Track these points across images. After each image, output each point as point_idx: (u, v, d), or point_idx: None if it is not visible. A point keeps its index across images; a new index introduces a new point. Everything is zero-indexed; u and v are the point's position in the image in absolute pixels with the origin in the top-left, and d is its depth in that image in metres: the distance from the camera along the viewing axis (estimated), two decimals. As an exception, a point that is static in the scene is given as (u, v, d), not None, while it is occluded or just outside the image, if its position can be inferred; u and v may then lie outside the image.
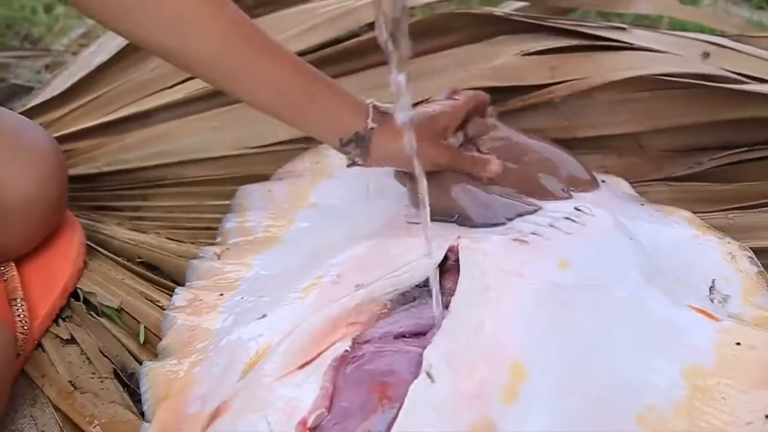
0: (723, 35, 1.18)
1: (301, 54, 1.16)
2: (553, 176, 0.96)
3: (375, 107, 0.85)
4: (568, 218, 0.87)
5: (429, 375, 0.68)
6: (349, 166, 0.88)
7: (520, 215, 0.89)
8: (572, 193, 0.95)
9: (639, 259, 0.84)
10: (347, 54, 1.17)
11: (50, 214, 0.95)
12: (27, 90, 1.35)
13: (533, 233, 0.84)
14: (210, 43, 0.79)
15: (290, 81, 0.83)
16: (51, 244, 0.97)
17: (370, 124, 0.84)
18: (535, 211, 0.90)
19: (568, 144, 1.09)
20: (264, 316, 0.81)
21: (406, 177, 0.92)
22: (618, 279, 0.80)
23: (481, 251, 0.79)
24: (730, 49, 1.12)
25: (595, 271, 0.80)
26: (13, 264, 0.94)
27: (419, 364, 0.69)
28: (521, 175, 0.95)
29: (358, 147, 0.85)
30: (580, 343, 0.73)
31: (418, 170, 0.75)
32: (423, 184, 0.75)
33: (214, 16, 0.79)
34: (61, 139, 1.13)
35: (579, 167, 0.99)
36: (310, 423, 0.67)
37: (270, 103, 0.84)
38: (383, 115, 0.85)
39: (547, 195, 0.94)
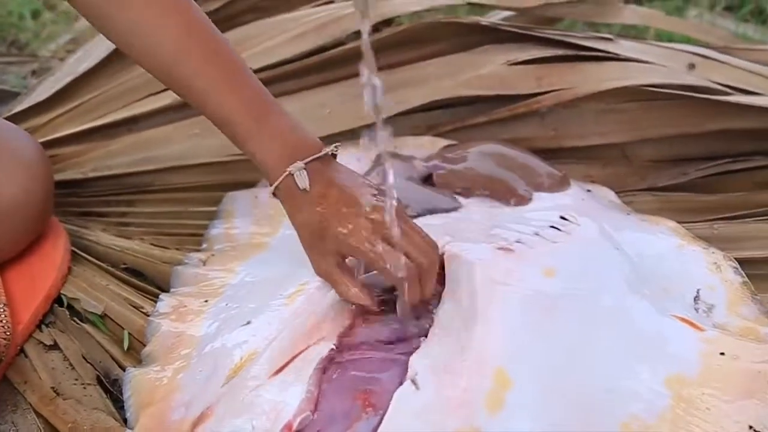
0: (708, 47, 1.19)
1: (287, 62, 1.17)
2: (518, 177, 0.98)
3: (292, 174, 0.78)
4: (553, 227, 0.87)
5: (414, 382, 0.68)
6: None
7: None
8: (543, 192, 0.98)
9: (624, 268, 0.84)
10: (333, 62, 1.17)
11: (35, 220, 0.95)
12: (13, 95, 1.34)
13: (518, 241, 0.84)
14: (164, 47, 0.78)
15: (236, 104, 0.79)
16: (35, 249, 0.97)
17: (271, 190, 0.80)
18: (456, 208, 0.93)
19: (554, 154, 1.10)
20: (248, 322, 0.81)
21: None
22: (603, 288, 0.80)
23: (467, 259, 0.79)
24: (716, 60, 1.13)
25: (580, 280, 0.80)
26: (-4, 269, 0.93)
27: (404, 372, 0.69)
28: (484, 178, 0.98)
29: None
30: (564, 351, 0.73)
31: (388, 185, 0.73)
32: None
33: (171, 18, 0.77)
34: (47, 145, 1.12)
35: (546, 168, 1.02)
36: (295, 426, 0.67)
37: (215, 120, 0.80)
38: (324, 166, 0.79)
39: (511, 194, 0.96)
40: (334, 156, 0.80)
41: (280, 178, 0.78)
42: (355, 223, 0.75)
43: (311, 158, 0.78)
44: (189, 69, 0.78)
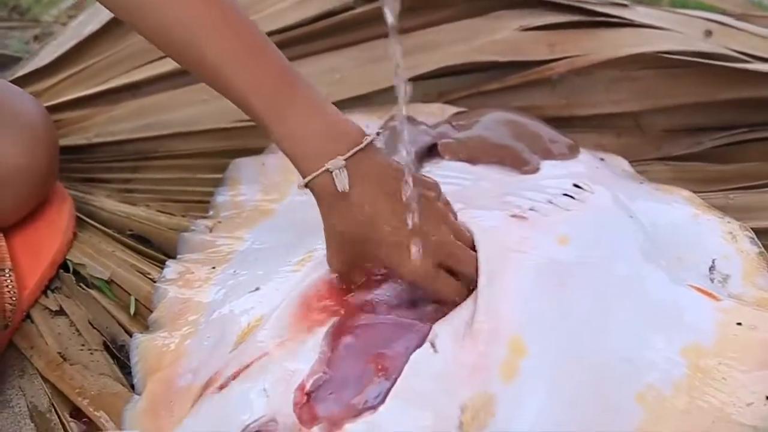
0: (725, 14, 1.17)
1: (296, 26, 1.15)
2: (528, 145, 0.96)
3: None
4: (566, 195, 0.85)
5: (433, 345, 0.67)
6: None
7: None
8: (553, 159, 0.95)
9: (639, 236, 0.83)
10: (343, 26, 1.15)
11: (40, 184, 0.93)
12: (15, 60, 1.31)
13: (531, 209, 0.82)
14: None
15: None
16: (40, 214, 0.95)
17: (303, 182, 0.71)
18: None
19: (566, 122, 1.09)
20: (257, 289, 0.80)
21: None
22: (618, 256, 0.79)
23: (480, 227, 0.78)
24: (733, 27, 1.11)
25: (594, 248, 0.79)
26: (1, 234, 0.92)
27: (417, 336, 0.68)
28: (492, 146, 0.96)
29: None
30: (579, 320, 0.72)
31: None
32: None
33: None
34: (50, 110, 1.10)
35: (557, 136, 0.99)
36: (308, 387, 0.66)
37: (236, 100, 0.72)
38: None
39: (520, 162, 0.94)
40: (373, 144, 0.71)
41: (314, 174, 0.69)
42: (403, 237, 0.69)
43: (352, 152, 0.69)
44: (205, 44, 0.69)
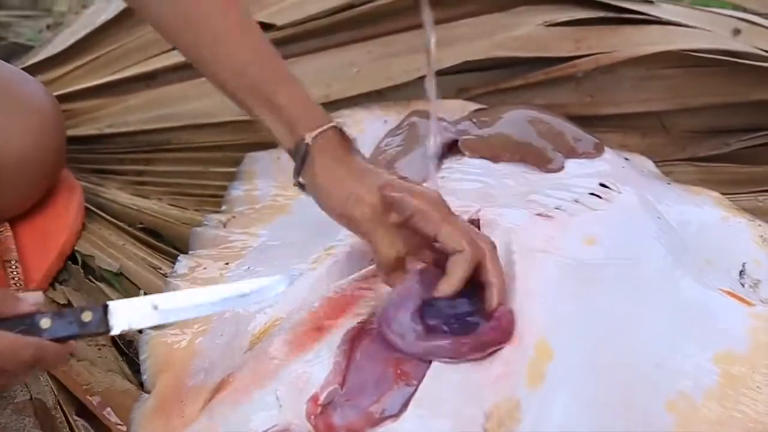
0: (753, 13, 1.14)
1: (315, 18, 1.12)
2: (551, 143, 0.93)
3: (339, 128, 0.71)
4: (593, 194, 0.83)
5: (455, 350, 0.65)
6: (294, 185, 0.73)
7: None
8: (578, 158, 0.92)
9: (667, 237, 0.80)
10: (362, 19, 1.13)
11: (46, 173, 0.92)
12: (27, 49, 1.30)
13: (557, 208, 0.80)
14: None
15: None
16: (48, 204, 0.94)
17: (310, 137, 0.69)
18: None
19: (590, 121, 1.06)
20: (273, 286, 0.77)
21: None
22: (647, 258, 0.76)
23: (505, 225, 0.75)
24: (762, 26, 1.08)
25: (622, 249, 0.76)
26: (8, 224, 0.90)
27: (437, 340, 0.66)
28: (514, 144, 0.93)
29: (296, 160, 0.71)
30: (608, 323, 0.69)
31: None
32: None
33: None
34: (62, 99, 1.08)
35: (581, 134, 0.96)
36: (322, 399, 0.64)
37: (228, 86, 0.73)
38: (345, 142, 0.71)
39: (543, 161, 0.91)
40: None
41: (323, 127, 0.69)
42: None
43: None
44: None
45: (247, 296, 0.66)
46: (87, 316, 0.61)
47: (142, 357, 0.79)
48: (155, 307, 0.64)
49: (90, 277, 0.90)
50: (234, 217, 0.96)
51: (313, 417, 0.63)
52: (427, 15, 0.63)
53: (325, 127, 0.69)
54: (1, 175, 0.86)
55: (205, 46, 0.72)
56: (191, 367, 0.75)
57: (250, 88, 0.71)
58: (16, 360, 0.58)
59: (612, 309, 0.70)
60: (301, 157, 0.69)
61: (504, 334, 0.65)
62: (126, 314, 0.63)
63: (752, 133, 1.04)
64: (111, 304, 0.63)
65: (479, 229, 0.75)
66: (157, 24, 0.74)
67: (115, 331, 0.62)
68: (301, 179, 0.70)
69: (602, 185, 0.85)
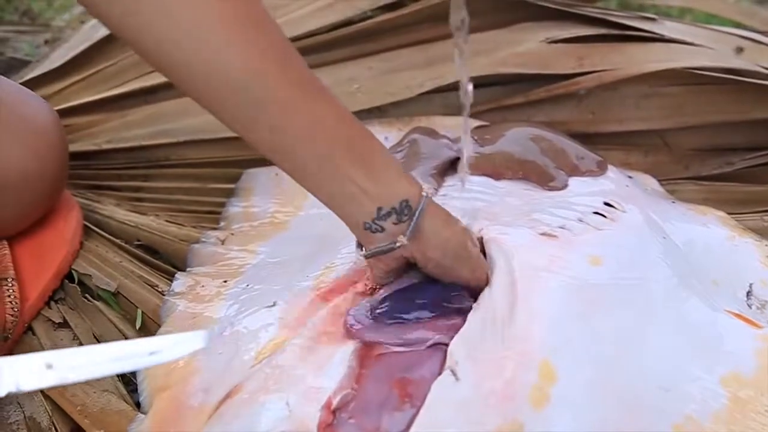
0: (755, 31, 1.13)
1: (315, 33, 1.11)
2: (553, 161, 0.92)
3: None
4: (597, 213, 0.82)
5: (453, 372, 0.64)
6: (368, 256, 0.70)
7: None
8: (581, 176, 0.91)
9: (673, 258, 0.79)
10: (363, 35, 1.12)
11: (48, 191, 0.90)
12: (25, 64, 1.29)
13: (561, 227, 0.79)
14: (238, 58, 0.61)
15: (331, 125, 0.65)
16: (46, 222, 0.92)
17: (426, 192, 0.68)
18: None
19: (592, 138, 1.05)
20: (274, 304, 0.76)
21: None
22: (652, 279, 0.75)
23: (508, 244, 0.74)
24: (765, 44, 1.07)
25: (628, 269, 0.75)
26: (6, 242, 0.89)
27: (443, 360, 0.65)
28: (516, 161, 0.92)
29: (401, 221, 0.67)
30: (613, 345, 0.68)
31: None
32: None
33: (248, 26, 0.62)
34: (60, 114, 1.05)
35: (583, 152, 0.96)
36: (335, 404, 0.63)
37: (296, 147, 0.65)
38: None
39: (546, 179, 0.90)
40: None
41: (423, 196, 0.67)
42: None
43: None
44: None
45: (157, 354, 0.58)
46: None
47: (139, 377, 0.77)
48: (49, 366, 0.56)
49: (87, 295, 0.88)
50: (232, 234, 0.94)
51: (322, 428, 0.62)
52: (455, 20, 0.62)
53: (423, 196, 0.69)
54: (1, 194, 0.84)
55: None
56: (190, 387, 0.73)
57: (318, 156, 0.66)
58: None
59: (617, 330, 0.69)
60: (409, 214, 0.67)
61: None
62: (13, 374, 0.55)
63: (756, 152, 1.03)
64: None
65: (482, 247, 0.74)
66: None
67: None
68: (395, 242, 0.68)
69: (607, 204, 0.84)
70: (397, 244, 0.67)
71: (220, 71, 0.61)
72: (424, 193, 0.68)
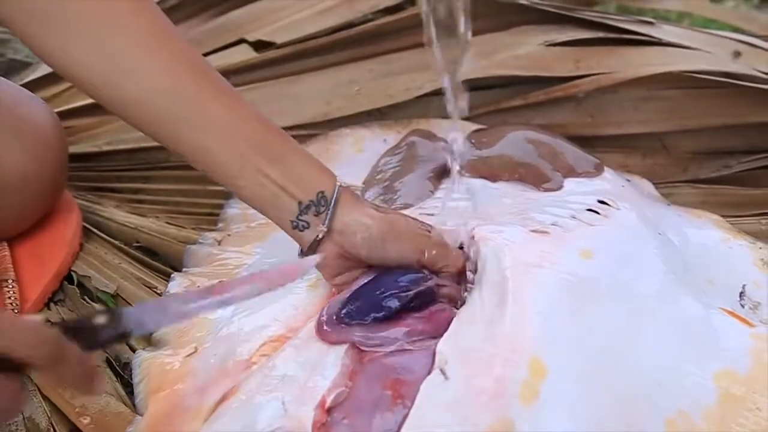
0: (753, 35, 1.14)
1: (315, 36, 1.12)
2: (550, 163, 0.92)
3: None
4: (591, 210, 0.81)
5: (442, 371, 0.64)
6: (301, 254, 0.73)
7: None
8: (577, 177, 0.91)
9: (668, 254, 0.79)
10: (363, 38, 1.13)
11: (48, 193, 0.91)
12: (25, 65, 1.29)
13: (554, 224, 0.78)
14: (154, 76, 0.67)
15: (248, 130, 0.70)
16: (46, 224, 0.93)
17: (339, 183, 0.71)
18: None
19: (590, 141, 1.05)
20: (270, 304, 0.76)
21: None
22: (646, 273, 0.75)
23: (499, 241, 0.74)
24: (762, 49, 1.08)
25: (620, 264, 0.75)
26: (6, 244, 0.89)
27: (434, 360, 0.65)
28: (512, 164, 0.92)
29: (319, 212, 0.70)
30: (604, 339, 0.68)
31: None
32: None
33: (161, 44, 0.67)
34: (60, 116, 1.07)
35: (581, 154, 0.96)
36: (329, 402, 0.63)
37: (219, 153, 0.69)
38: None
39: (542, 180, 0.90)
40: None
41: (337, 185, 0.71)
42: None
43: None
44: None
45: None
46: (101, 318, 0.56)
47: (135, 379, 0.77)
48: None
49: (86, 297, 0.89)
50: (229, 235, 0.95)
51: (315, 428, 0.62)
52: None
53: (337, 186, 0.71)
54: (1, 196, 0.85)
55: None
56: (184, 388, 0.73)
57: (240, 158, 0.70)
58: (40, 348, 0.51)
59: (609, 325, 0.69)
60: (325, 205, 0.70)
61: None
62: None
63: (753, 155, 1.03)
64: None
65: (473, 245, 0.75)
66: None
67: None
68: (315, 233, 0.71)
69: (601, 202, 0.83)
70: (319, 236, 0.70)
71: (140, 91, 0.67)
72: (338, 183, 0.71)
